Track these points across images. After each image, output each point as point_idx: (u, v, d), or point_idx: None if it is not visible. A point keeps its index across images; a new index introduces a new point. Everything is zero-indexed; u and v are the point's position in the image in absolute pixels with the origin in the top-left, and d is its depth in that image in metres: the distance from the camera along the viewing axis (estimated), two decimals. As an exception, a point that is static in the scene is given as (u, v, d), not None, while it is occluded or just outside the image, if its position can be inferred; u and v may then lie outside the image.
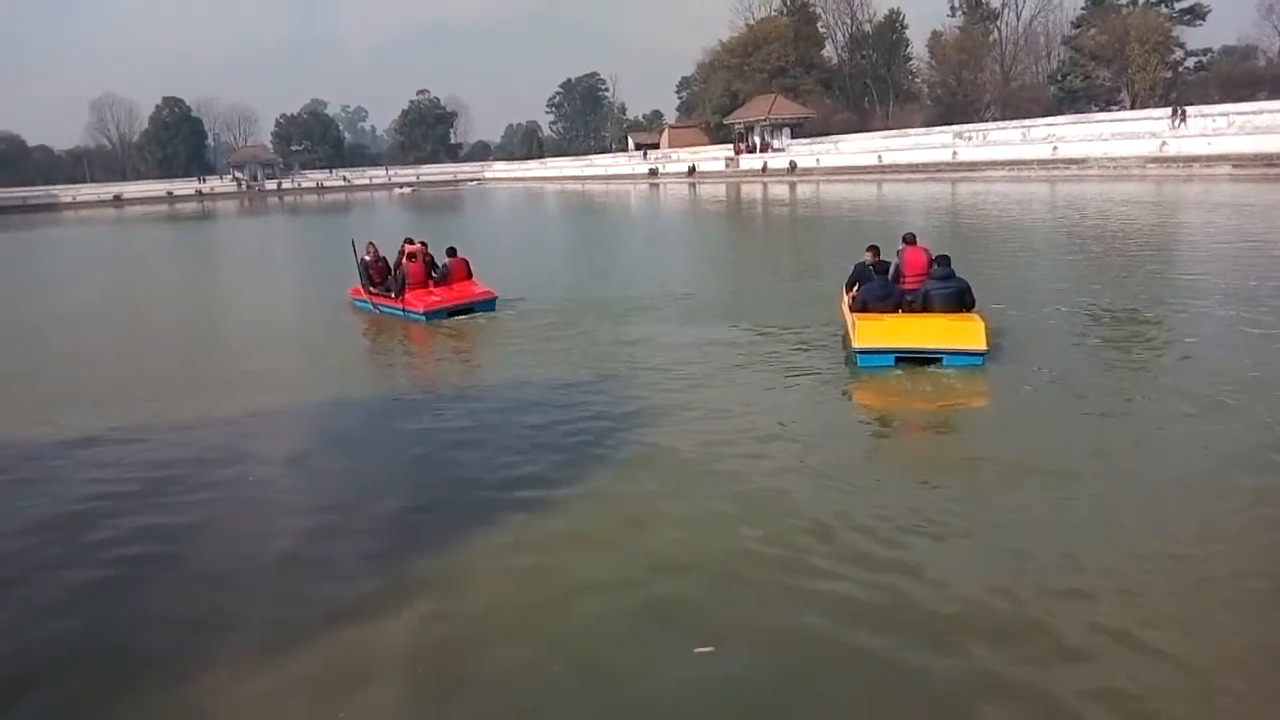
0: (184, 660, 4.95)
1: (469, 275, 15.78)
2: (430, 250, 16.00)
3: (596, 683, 4.53)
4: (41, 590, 5.90)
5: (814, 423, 8.48)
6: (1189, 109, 45.42)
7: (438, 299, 14.95)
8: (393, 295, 15.36)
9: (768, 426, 8.31)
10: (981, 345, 9.47)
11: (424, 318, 14.72)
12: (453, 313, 14.83)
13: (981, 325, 9.67)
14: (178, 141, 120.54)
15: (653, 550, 5.94)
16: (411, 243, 16.02)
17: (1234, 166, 37.36)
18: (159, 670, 4.88)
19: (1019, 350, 10.33)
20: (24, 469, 8.42)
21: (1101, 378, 9.32)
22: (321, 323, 16.39)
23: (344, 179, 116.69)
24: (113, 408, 10.44)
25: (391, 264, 16.00)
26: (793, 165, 65.52)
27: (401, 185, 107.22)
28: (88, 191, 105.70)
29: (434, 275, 15.59)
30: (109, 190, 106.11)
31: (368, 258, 16.20)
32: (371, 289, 15.95)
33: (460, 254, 15.96)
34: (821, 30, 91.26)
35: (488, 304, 15.21)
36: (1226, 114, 42.31)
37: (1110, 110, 60.78)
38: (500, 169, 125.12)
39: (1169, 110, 46.55)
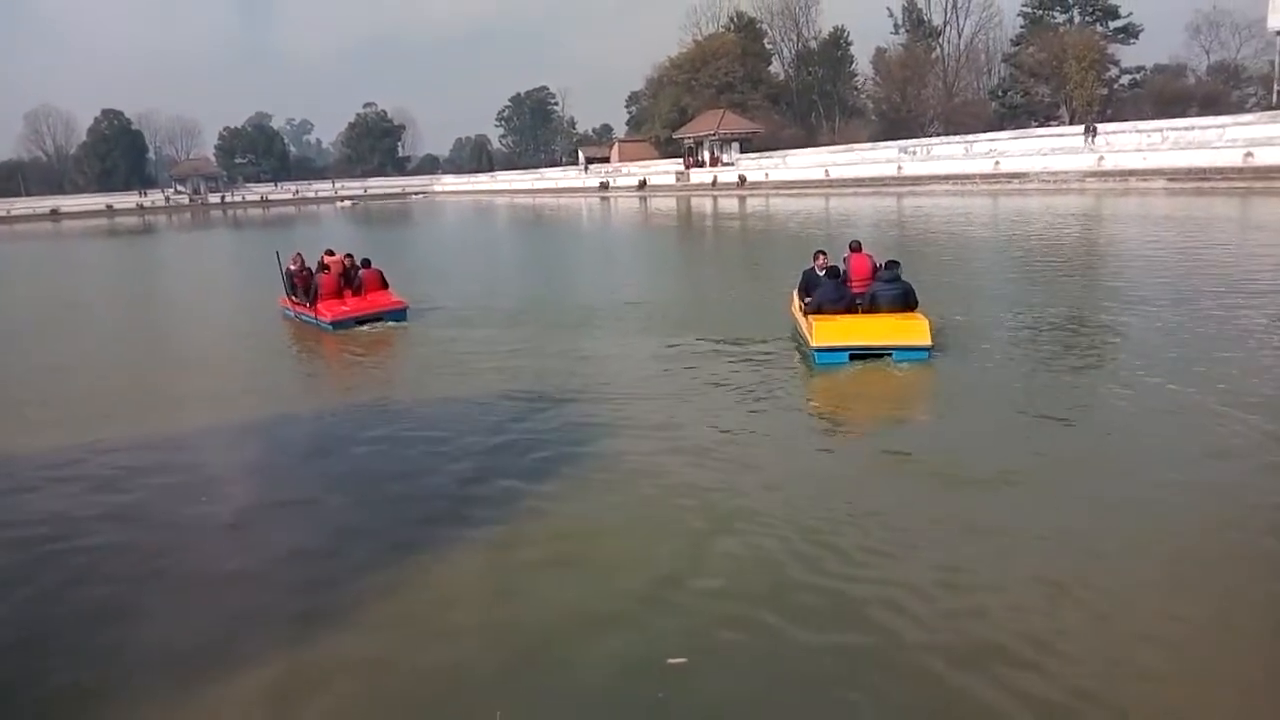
0: (118, 679, 4.79)
1: (383, 286, 15.98)
2: (353, 262, 16.31)
3: (566, 692, 4.47)
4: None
5: (772, 423, 8.72)
6: (1099, 125, 47.62)
7: (347, 309, 15.26)
8: (307, 305, 15.73)
9: (726, 428, 8.50)
10: (927, 341, 10.30)
11: (331, 327, 14.99)
12: (361, 321, 15.13)
13: (927, 323, 10.52)
14: (117, 154, 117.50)
15: (613, 563, 5.88)
16: (332, 254, 16.55)
17: (1168, 180, 38.48)
18: (95, 694, 4.70)
19: (962, 347, 11.04)
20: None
21: (1040, 374, 9.94)
22: (247, 332, 16.42)
23: (293, 192, 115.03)
24: (35, 424, 10.09)
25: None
26: (742, 179, 66.02)
27: (343, 199, 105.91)
28: (22, 205, 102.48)
29: (349, 286, 15.80)
30: (45, 204, 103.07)
31: (293, 268, 16.57)
32: (294, 298, 16.36)
33: (375, 265, 16.21)
34: (768, 46, 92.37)
35: (398, 314, 15.43)
36: (1160, 129, 43.57)
37: (1049, 125, 62.28)
38: (449, 182, 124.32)
39: (1082, 127, 48.56)
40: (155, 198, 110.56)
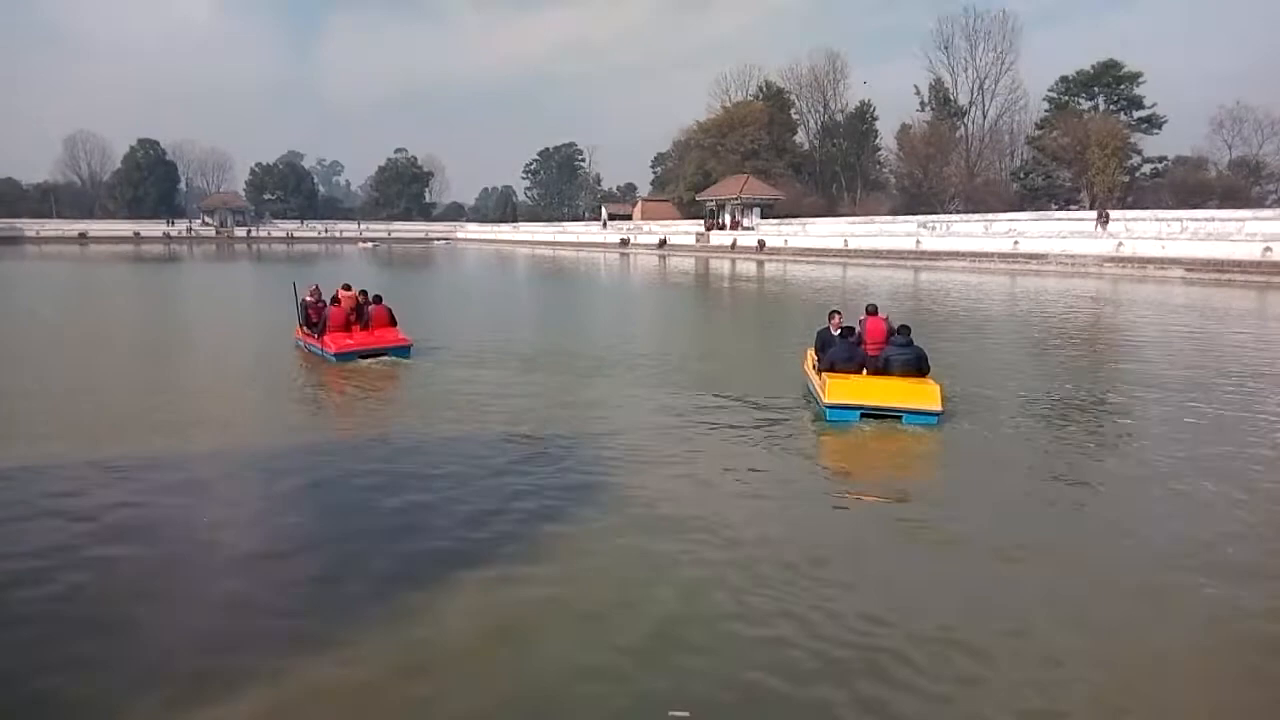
0: (107, 693, 4.75)
1: (391, 323, 16.30)
2: (365, 298, 16.71)
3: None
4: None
5: (778, 478, 8.74)
6: (1111, 212, 48.00)
7: (351, 342, 15.60)
8: (316, 336, 16.11)
9: (732, 480, 8.56)
10: (938, 406, 10.46)
11: (335, 359, 15.30)
12: (364, 355, 15.44)
13: (938, 389, 10.72)
14: (149, 183, 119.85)
15: (610, 611, 5.80)
16: (347, 289, 16.86)
17: (1186, 270, 38.53)
18: (84, 705, 4.69)
19: (972, 416, 11.12)
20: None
21: (1048, 448, 10.02)
22: (259, 361, 16.63)
23: (320, 231, 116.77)
24: (53, 444, 10.07)
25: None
26: (761, 244, 66.57)
27: (364, 241, 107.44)
28: (52, 227, 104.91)
29: (359, 320, 16.13)
30: (74, 227, 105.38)
31: (308, 299, 16.89)
32: (305, 329, 16.68)
33: (386, 303, 16.58)
34: (795, 117, 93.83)
35: (401, 350, 15.76)
36: (1180, 219, 43.73)
37: (1069, 209, 62.67)
38: (472, 230, 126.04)
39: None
40: (182, 227, 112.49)
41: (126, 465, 9.08)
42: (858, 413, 10.61)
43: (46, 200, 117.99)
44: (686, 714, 4.54)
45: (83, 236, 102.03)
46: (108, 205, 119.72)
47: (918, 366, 11.11)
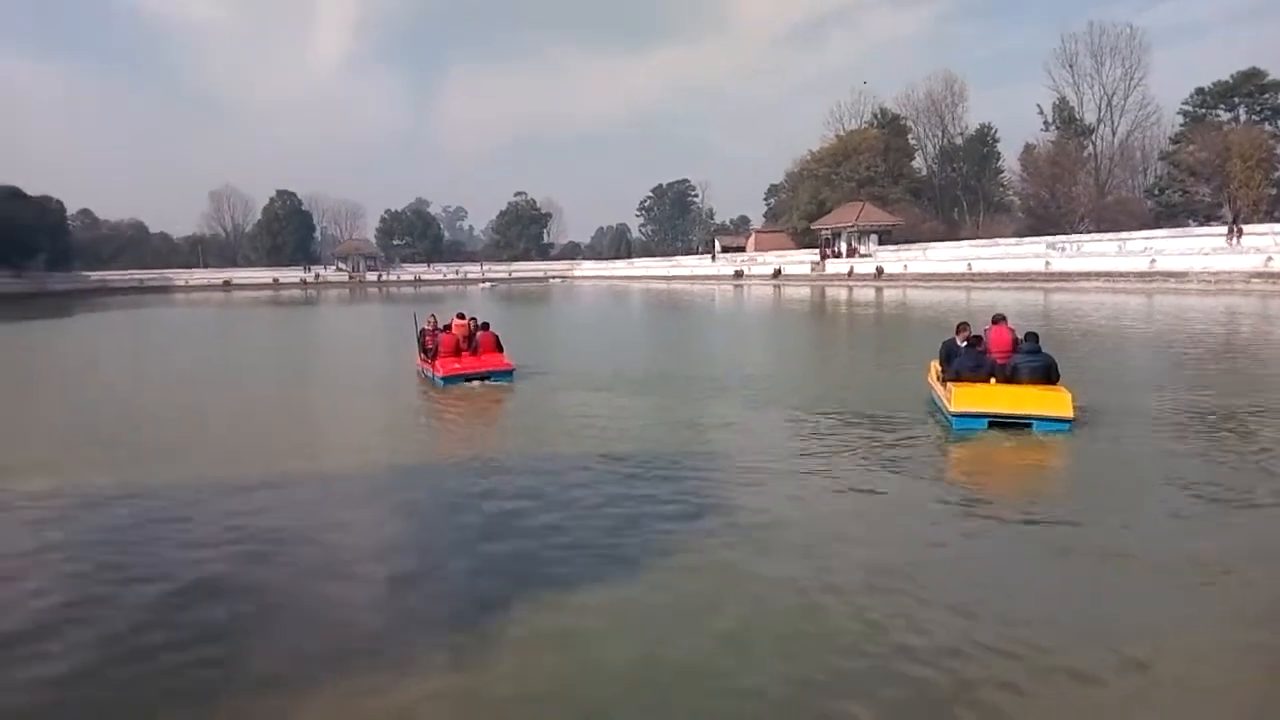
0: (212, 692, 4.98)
1: (497, 348, 17.13)
2: (477, 325, 17.46)
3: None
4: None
5: (908, 489, 8.49)
6: (1249, 227, 45.75)
7: (458, 366, 16.37)
8: (430, 360, 17.04)
9: (858, 494, 8.38)
10: (1069, 413, 10.19)
11: (442, 382, 16.13)
12: (469, 379, 16.18)
13: (1069, 395, 10.39)
14: (287, 232, 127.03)
15: (726, 628, 5.56)
16: (461, 318, 17.69)
17: (1346, 283, 35.86)
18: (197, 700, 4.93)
19: (1107, 426, 10.71)
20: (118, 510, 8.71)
21: (1189, 460, 9.31)
22: (381, 388, 17.64)
23: (442, 273, 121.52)
24: (192, 464, 10.85)
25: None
26: (879, 270, 65.48)
27: (485, 281, 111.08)
28: (199, 276, 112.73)
29: (467, 346, 16.94)
30: (219, 276, 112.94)
31: (426, 328, 17.79)
32: (423, 356, 17.56)
33: (491, 329, 17.49)
34: (912, 142, 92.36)
35: (504, 374, 16.50)
36: (1338, 231, 40.85)
37: (1210, 225, 59.29)
38: (588, 267, 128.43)
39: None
40: (318, 272, 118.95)
41: (243, 483, 9.47)
42: (985, 421, 10.41)
43: (195, 252, 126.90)
44: None
45: (226, 284, 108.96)
46: (249, 255, 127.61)
47: (1046, 374, 10.82)
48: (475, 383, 16.09)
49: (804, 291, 60.40)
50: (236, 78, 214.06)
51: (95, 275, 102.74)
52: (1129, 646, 5.09)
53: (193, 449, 11.58)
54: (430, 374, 16.87)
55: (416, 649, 5.44)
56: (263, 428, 13.45)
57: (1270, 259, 40.50)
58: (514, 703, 4.80)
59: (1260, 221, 53.35)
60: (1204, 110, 72.77)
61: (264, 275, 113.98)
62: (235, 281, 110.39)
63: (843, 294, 55.92)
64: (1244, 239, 44.29)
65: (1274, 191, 64.13)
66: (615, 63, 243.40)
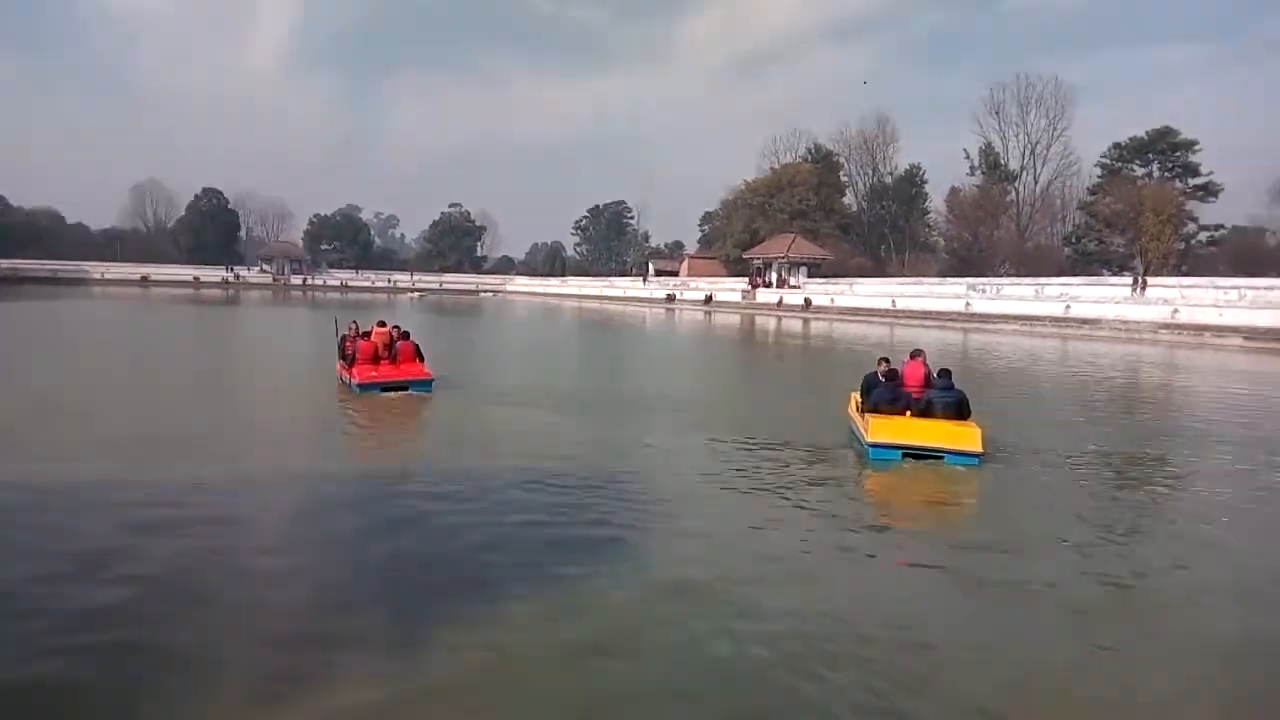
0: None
1: (416, 358, 16.95)
2: (399, 333, 17.25)
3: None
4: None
5: (825, 511, 8.85)
6: (1162, 280, 48.36)
7: (375, 374, 16.21)
8: (347, 367, 16.88)
9: (776, 515, 8.69)
10: (978, 448, 10.74)
11: (358, 389, 16.01)
12: (385, 388, 16.00)
13: (978, 431, 10.97)
14: (212, 230, 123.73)
15: (633, 653, 5.62)
16: (383, 325, 17.48)
17: (1245, 339, 37.61)
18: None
19: (1012, 461, 11.30)
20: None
21: (1092, 495, 9.98)
22: (294, 392, 17.27)
23: (371, 281, 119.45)
24: (99, 461, 10.36)
25: None
26: (807, 302, 66.51)
27: (411, 291, 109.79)
28: (116, 270, 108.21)
29: (387, 354, 16.77)
30: (137, 271, 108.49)
31: (348, 334, 17.60)
32: (343, 361, 17.36)
33: (412, 338, 17.31)
34: (844, 179, 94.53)
35: (423, 384, 16.37)
36: (1238, 287, 42.86)
37: (1122, 275, 61.79)
38: (521, 283, 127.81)
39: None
40: (241, 273, 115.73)
41: (146, 482, 9.34)
42: (900, 452, 10.90)
43: (112, 245, 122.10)
44: None
45: (144, 280, 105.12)
46: (170, 251, 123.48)
47: (958, 409, 11.36)
48: (392, 393, 15.88)
49: (734, 319, 60.99)
50: (168, 69, 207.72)
51: (5, 263, 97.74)
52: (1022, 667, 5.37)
53: (91, 446, 11.19)
54: (348, 380, 16.63)
55: (310, 664, 5.28)
56: (166, 427, 12.95)
57: (1176, 311, 42.33)
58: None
59: (1169, 274, 55.88)
60: (1120, 164, 75.94)
61: (185, 273, 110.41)
62: (154, 278, 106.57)
63: (771, 323, 56.61)
64: (1149, 291, 46.29)
65: (1182, 246, 67.17)
66: (557, 82, 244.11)
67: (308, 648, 5.54)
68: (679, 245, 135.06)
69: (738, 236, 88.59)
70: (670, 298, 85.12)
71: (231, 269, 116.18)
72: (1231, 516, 9.01)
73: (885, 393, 11.73)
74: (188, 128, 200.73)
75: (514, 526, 8.03)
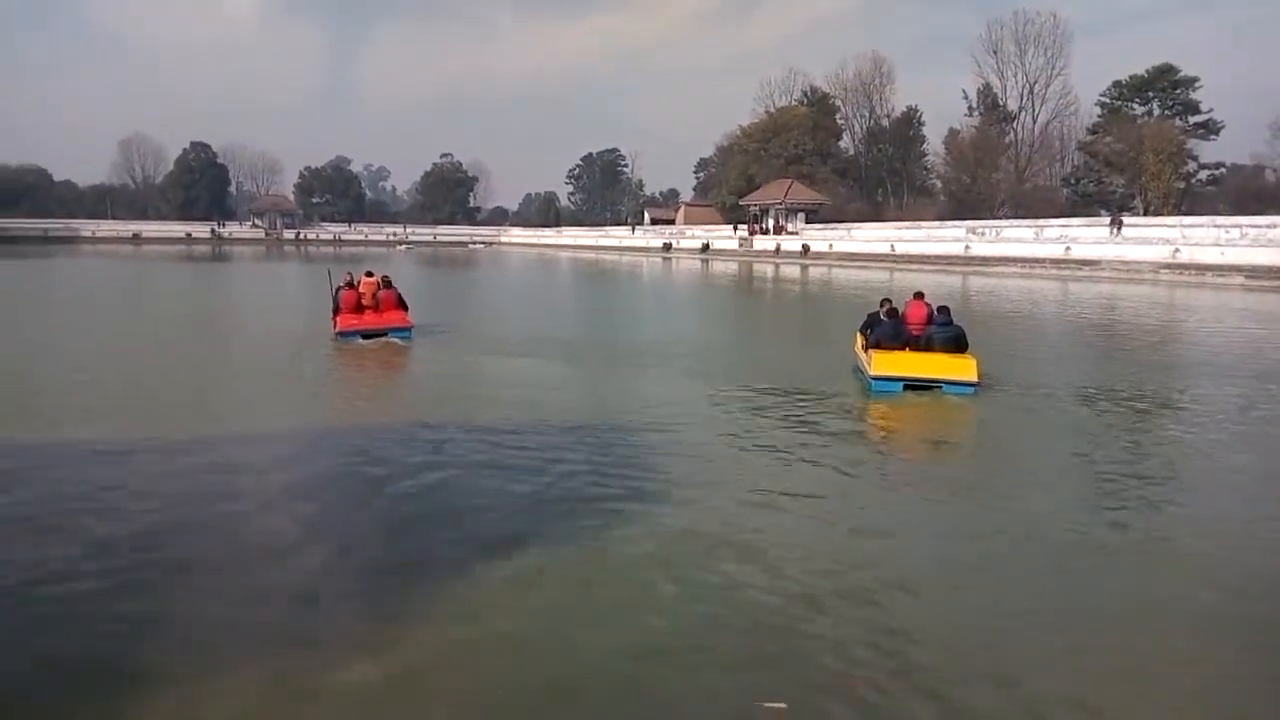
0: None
1: (398, 306, 17.23)
2: (384, 283, 17.56)
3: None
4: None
5: (830, 443, 9.39)
6: (1125, 219, 49.43)
7: (354, 323, 16.63)
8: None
9: (784, 447, 9.11)
10: (974, 377, 11.55)
11: (339, 337, 16.54)
12: (366, 335, 16.48)
13: (974, 362, 11.77)
14: (201, 185, 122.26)
15: (677, 596, 5.53)
16: (370, 275, 17.87)
17: (1246, 277, 37.45)
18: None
19: (1007, 391, 12.07)
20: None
21: (1078, 419, 10.81)
22: (287, 347, 16.85)
23: (364, 234, 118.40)
24: (98, 424, 10.18)
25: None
26: (805, 248, 66.03)
27: (403, 244, 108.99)
28: (107, 228, 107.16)
29: (371, 304, 17.05)
30: (129, 228, 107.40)
31: (341, 285, 17.69)
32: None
33: (394, 286, 17.61)
34: (840, 122, 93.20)
35: (401, 331, 16.76)
36: (1239, 225, 42.53)
37: (1124, 215, 61.31)
38: (516, 234, 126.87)
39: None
40: (233, 229, 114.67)
41: (125, 443, 9.17)
42: (901, 384, 11.69)
43: (102, 202, 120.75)
44: (783, 705, 4.23)
45: (136, 237, 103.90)
46: (160, 207, 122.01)
47: (956, 343, 12.12)
48: (372, 340, 16.26)
49: (732, 267, 60.60)
50: (152, 20, 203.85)
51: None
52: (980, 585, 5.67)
53: (86, 409, 11.00)
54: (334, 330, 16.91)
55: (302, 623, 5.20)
56: (148, 388, 12.78)
57: (1178, 251, 42.06)
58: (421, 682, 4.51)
59: (1170, 214, 55.42)
60: (1120, 103, 74.89)
61: (176, 229, 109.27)
62: (145, 235, 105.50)
63: (769, 270, 56.27)
64: (1135, 230, 46.13)
65: (1182, 185, 66.54)
66: (547, 24, 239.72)
67: (300, 610, 5.40)
68: (674, 193, 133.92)
69: (733, 183, 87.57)
70: (667, 246, 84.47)
71: (224, 224, 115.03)
72: (1226, 449, 9.33)
73: (888, 329, 12.42)
74: (172, 79, 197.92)
75: (525, 480, 7.86)
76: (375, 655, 4.73)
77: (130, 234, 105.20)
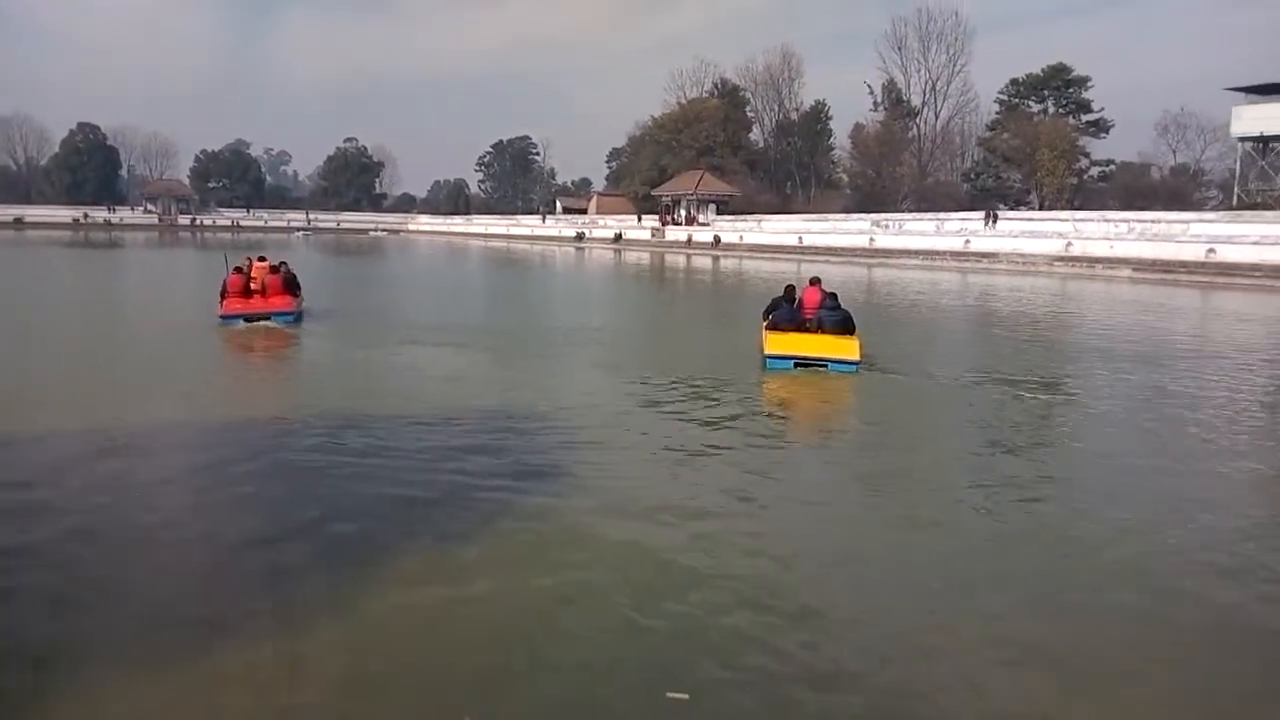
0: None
1: (286, 290, 17.24)
2: (283, 269, 17.77)
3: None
4: None
5: (728, 413, 10.25)
6: (999, 213, 52.66)
7: (238, 307, 16.64)
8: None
9: (683, 420, 9.86)
10: (856, 357, 12.72)
11: (221, 320, 16.47)
12: (248, 319, 16.51)
13: (857, 343, 12.97)
14: (89, 168, 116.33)
15: (592, 589, 5.41)
16: (263, 260, 18.17)
17: (1133, 270, 39.21)
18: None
19: (886, 370, 13.08)
20: None
21: (949, 393, 11.95)
22: (174, 335, 16.48)
23: (264, 220, 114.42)
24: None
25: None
26: (716, 240, 66.47)
27: (299, 229, 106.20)
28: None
29: (257, 288, 17.08)
30: (9, 212, 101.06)
31: (233, 269, 17.48)
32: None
33: (284, 270, 17.68)
34: (750, 115, 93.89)
35: (284, 315, 16.76)
36: (1127, 220, 44.49)
37: (1019, 209, 63.55)
38: (424, 221, 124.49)
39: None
40: (124, 214, 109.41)
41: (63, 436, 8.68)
42: (792, 362, 12.80)
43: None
44: (685, 696, 4.14)
45: (18, 221, 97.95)
46: (45, 190, 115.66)
47: (844, 325, 13.26)
48: (254, 323, 16.18)
49: (644, 257, 60.58)
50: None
51: None
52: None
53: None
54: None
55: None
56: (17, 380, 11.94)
57: (1070, 244, 43.76)
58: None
59: (1063, 209, 57.62)
60: (1017, 100, 77.58)
61: (63, 214, 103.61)
62: (28, 219, 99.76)
63: (681, 260, 56.46)
64: (1030, 224, 47.87)
65: (1075, 181, 69.35)
66: (457, 8, 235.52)
67: (206, 613, 5.00)
68: (587, 183, 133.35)
69: (645, 173, 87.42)
70: (580, 236, 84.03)
71: (113, 209, 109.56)
72: (1096, 423, 10.27)
73: (784, 313, 13.54)
74: (58, 61, 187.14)
75: (430, 470, 7.60)
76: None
77: (11, 218, 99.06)
